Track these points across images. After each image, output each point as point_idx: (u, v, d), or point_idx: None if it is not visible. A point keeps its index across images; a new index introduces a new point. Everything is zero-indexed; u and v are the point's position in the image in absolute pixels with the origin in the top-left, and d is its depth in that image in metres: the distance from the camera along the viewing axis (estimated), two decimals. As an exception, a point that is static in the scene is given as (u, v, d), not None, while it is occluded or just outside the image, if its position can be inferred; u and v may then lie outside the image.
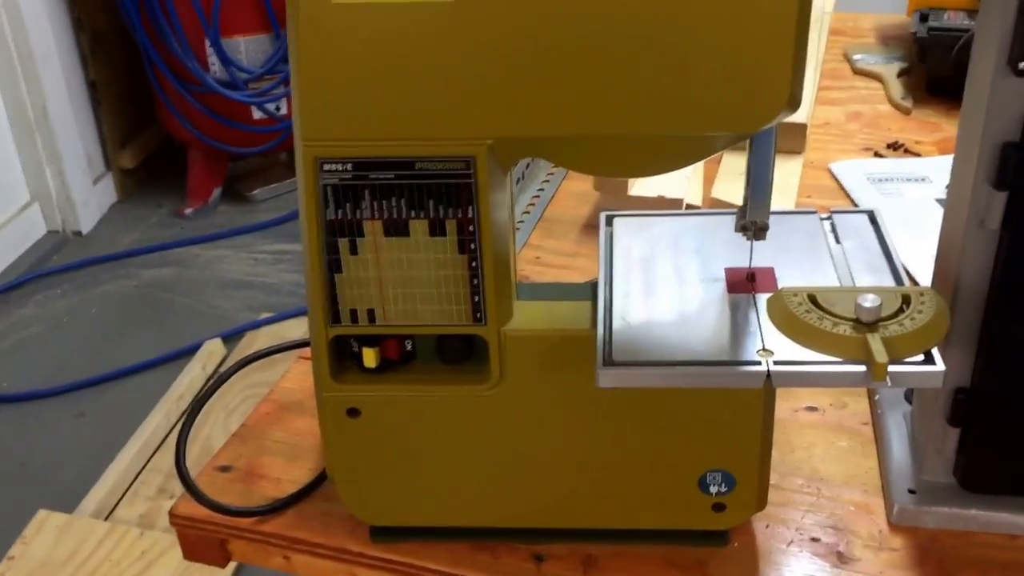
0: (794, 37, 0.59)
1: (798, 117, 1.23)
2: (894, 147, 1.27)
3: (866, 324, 0.63)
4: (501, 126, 0.62)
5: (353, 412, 0.73)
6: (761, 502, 0.75)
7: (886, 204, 1.14)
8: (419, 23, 0.59)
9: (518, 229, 1.12)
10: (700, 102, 0.59)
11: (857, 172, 1.22)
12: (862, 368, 0.61)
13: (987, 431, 0.75)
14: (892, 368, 0.61)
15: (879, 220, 0.77)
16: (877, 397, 0.88)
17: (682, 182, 1.09)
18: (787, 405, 0.89)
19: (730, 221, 0.72)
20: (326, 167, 0.65)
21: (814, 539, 0.77)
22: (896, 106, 1.36)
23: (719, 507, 0.74)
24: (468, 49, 0.59)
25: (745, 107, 0.60)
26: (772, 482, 0.77)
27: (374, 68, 0.61)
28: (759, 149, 0.66)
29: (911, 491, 0.78)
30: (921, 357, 0.63)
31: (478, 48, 0.59)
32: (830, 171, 1.23)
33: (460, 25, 0.59)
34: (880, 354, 0.61)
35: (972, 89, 0.68)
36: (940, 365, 0.63)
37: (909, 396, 0.86)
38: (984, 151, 0.66)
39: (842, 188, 1.20)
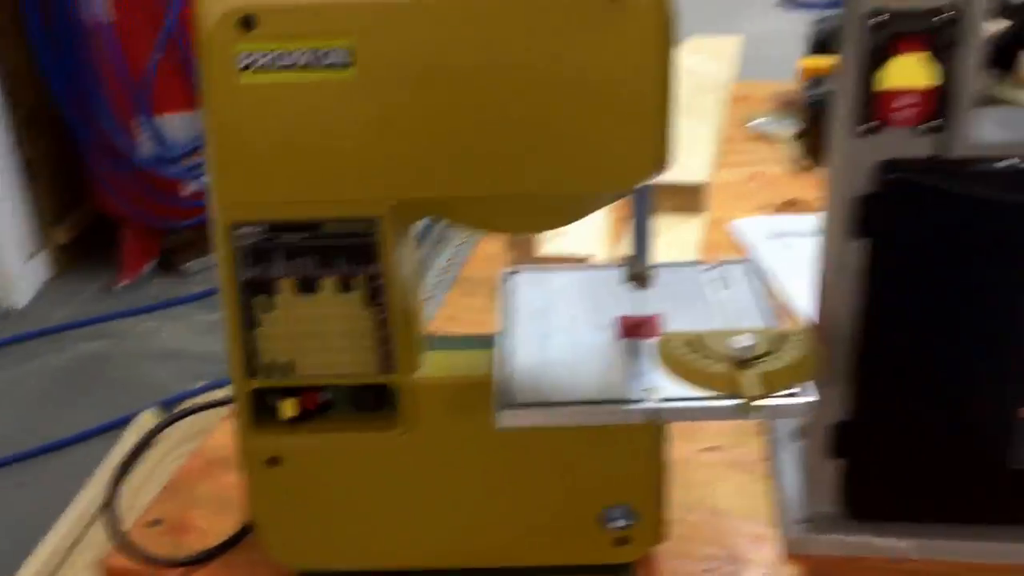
0: (659, 107, 0.66)
1: (696, 178, 1.32)
2: (791, 204, 1.36)
3: (740, 362, 0.69)
4: (400, 189, 0.67)
5: (274, 461, 0.77)
6: (662, 535, 0.80)
7: (783, 256, 1.22)
8: (320, 99, 0.65)
9: (432, 297, 1.18)
10: (577, 164, 0.66)
11: (757, 228, 1.30)
12: (735, 401, 0.67)
13: (868, 461, 0.81)
14: (764, 402, 0.67)
15: (760, 270, 0.83)
16: (772, 435, 0.94)
17: (589, 240, 1.16)
18: (689, 446, 0.95)
19: (621, 273, 0.78)
20: (240, 230, 0.70)
21: (712, 569, 0.82)
22: (792, 166, 1.45)
23: (622, 541, 0.79)
24: (365, 121, 0.65)
25: (618, 168, 0.66)
26: (674, 517, 0.82)
27: (281, 140, 0.66)
28: (637, 205, 0.72)
29: (802, 521, 0.84)
30: (794, 391, 0.69)
31: (374, 120, 0.65)
32: (731, 228, 1.31)
33: (357, 100, 0.65)
34: (751, 389, 0.67)
35: (830, 148, 0.76)
36: (807, 397, 0.69)
37: (801, 433, 0.92)
38: (840, 204, 0.73)
39: (743, 243, 1.27)
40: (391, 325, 0.72)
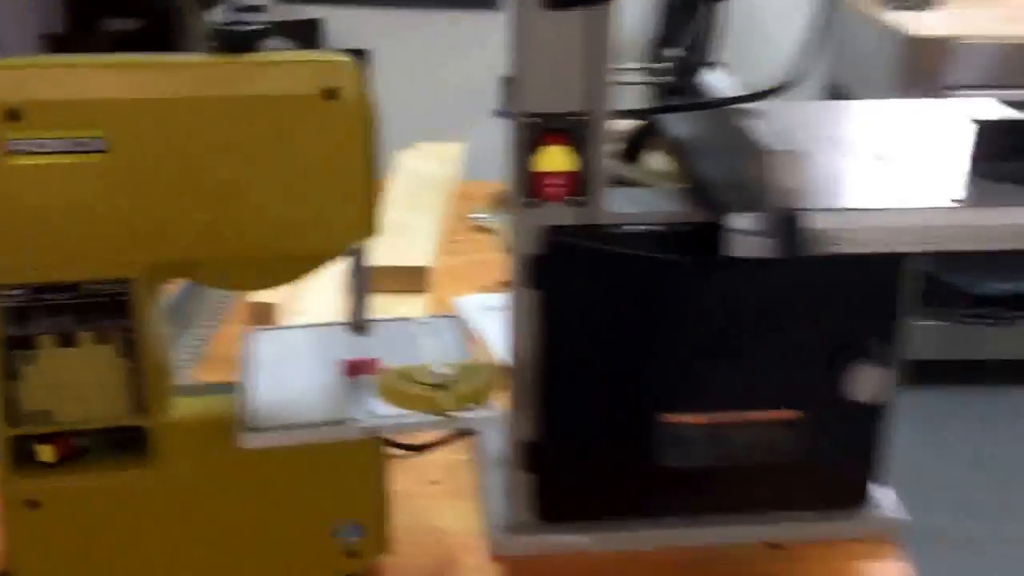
0: (364, 183, 0.82)
1: (419, 262, 1.50)
2: (505, 284, 1.56)
3: (439, 386, 0.86)
4: (148, 254, 0.81)
5: (32, 504, 0.86)
6: (387, 546, 0.94)
7: (493, 321, 1.41)
8: (79, 178, 0.78)
9: (190, 361, 1.29)
10: (300, 230, 0.82)
11: (475, 304, 1.50)
12: (435, 417, 0.84)
13: (552, 473, 1.00)
14: (456, 414, 0.84)
15: (462, 321, 1.02)
16: (481, 463, 1.11)
17: (333, 305, 1.30)
18: (414, 480, 1.10)
19: (344, 327, 0.94)
20: (4, 292, 0.80)
21: (431, 573, 0.97)
22: (507, 253, 1.67)
23: (352, 553, 0.93)
24: (117, 197, 0.78)
25: (334, 234, 0.83)
26: (400, 536, 0.97)
27: (44, 213, 0.78)
28: (354, 266, 0.89)
29: (503, 528, 1.01)
30: (481, 408, 0.87)
31: (125, 196, 0.78)
32: (453, 304, 1.49)
33: (111, 179, 0.78)
34: (446, 405, 0.84)
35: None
36: (489, 412, 0.86)
37: (508, 456, 1.09)
38: (519, 263, 0.93)
39: (462, 316, 1.46)
40: (143, 374, 0.84)
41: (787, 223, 0.81)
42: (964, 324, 2.98)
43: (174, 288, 1.36)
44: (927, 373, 2.99)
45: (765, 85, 0.92)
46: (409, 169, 1.85)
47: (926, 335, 2.98)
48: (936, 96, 2.68)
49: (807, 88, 3.26)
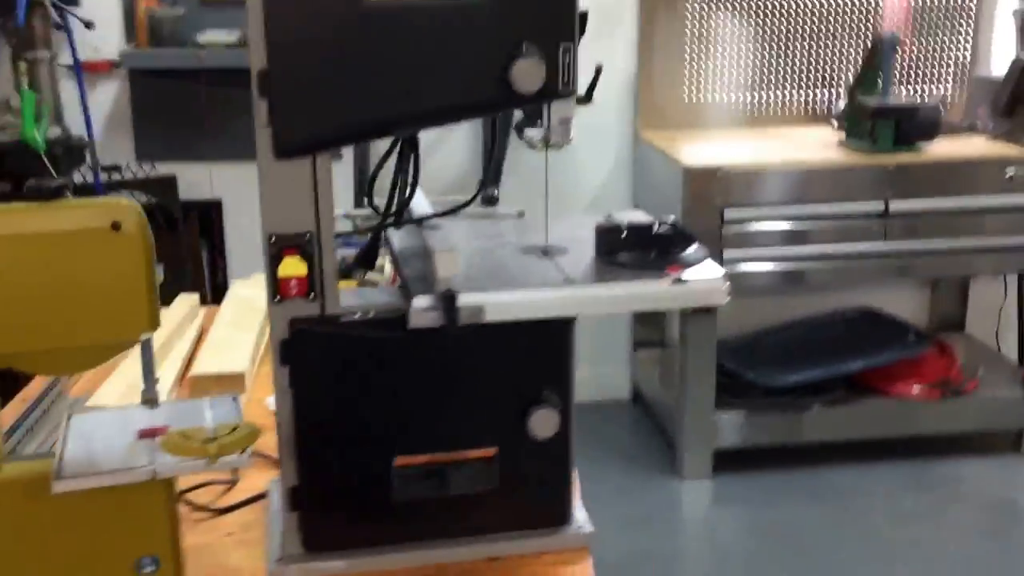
0: (147, 291, 1.13)
1: (238, 368, 1.79)
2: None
3: (208, 440, 1.15)
4: (-20, 347, 1.09)
5: None
6: (179, 575, 1.21)
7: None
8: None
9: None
10: (98, 327, 1.11)
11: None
12: (202, 461, 1.13)
13: (311, 512, 1.28)
14: (223, 459, 1.13)
15: (236, 401, 1.31)
16: (271, 514, 1.38)
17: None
18: (214, 534, 1.37)
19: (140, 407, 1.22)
20: None
21: (218, 596, 1.24)
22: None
23: (152, 583, 1.19)
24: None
25: (124, 329, 1.13)
26: (196, 574, 1.23)
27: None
28: (144, 352, 1.18)
29: (279, 559, 1.28)
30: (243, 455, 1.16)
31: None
32: (267, 402, 1.78)
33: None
34: (211, 453, 1.13)
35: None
36: (243, 458, 1.15)
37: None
38: (275, 347, 1.24)
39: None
40: (-22, 442, 1.11)
41: (448, 301, 1.14)
42: (763, 414, 3.37)
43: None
44: (733, 460, 3.37)
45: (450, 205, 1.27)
46: (238, 296, 2.15)
47: (731, 424, 3.36)
48: (709, 214, 3.13)
49: (616, 208, 3.71)
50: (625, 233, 1.28)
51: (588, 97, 1.27)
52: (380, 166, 1.30)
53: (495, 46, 1.14)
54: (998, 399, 3.51)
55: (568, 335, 1.28)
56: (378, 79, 1.14)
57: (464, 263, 1.21)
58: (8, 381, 1.24)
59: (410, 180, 1.30)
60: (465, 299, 1.15)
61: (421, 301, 1.16)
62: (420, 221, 1.29)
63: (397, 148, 1.29)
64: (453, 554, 1.31)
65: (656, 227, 1.27)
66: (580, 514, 1.36)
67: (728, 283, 1.21)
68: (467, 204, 1.30)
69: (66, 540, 1.16)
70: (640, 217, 1.32)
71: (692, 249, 1.27)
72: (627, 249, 1.26)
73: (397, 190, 1.30)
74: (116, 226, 1.11)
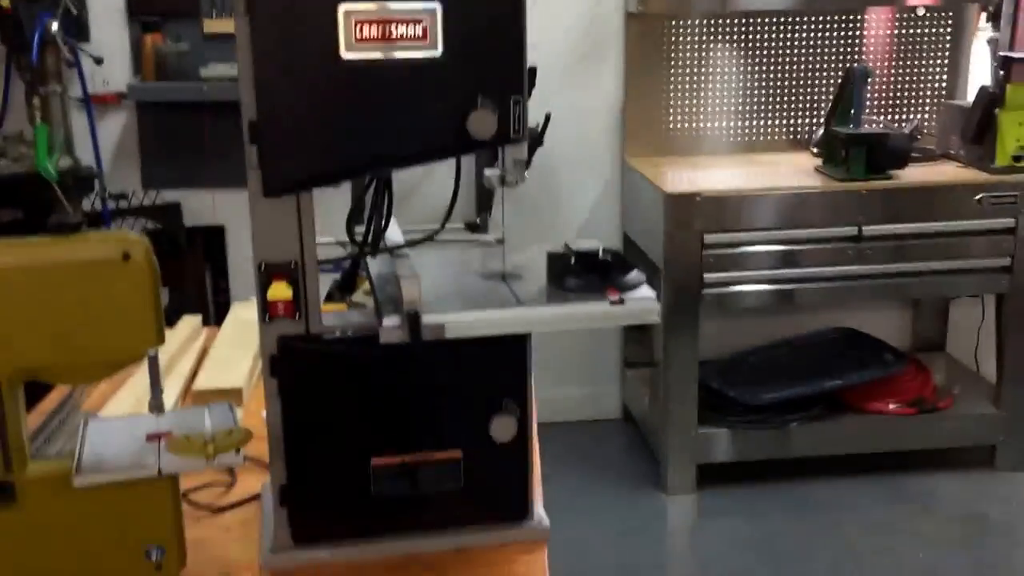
0: (155, 320, 1.30)
1: (236, 384, 1.96)
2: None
3: (207, 442, 1.32)
4: (7, 365, 1.26)
5: (-70, 539, 1.28)
6: (184, 562, 1.38)
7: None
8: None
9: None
10: (108, 344, 1.29)
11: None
12: (203, 460, 1.30)
13: (299, 507, 1.45)
14: (216, 459, 1.30)
15: (232, 408, 1.48)
16: (265, 512, 1.55)
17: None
18: (213, 527, 1.54)
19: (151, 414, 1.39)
20: (-86, 392, 1.25)
21: (215, 581, 1.41)
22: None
23: (159, 567, 1.36)
24: (-10, 324, 1.25)
25: (131, 346, 1.30)
26: (196, 562, 1.40)
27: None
28: (151, 366, 1.35)
29: (270, 550, 1.45)
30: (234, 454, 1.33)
31: (-5, 323, 1.25)
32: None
33: (-14, 313, 1.25)
34: (209, 453, 1.30)
35: (260, 334, 1.44)
36: (238, 458, 1.32)
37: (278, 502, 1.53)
38: (266, 362, 1.41)
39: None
40: (8, 444, 1.29)
41: (414, 320, 1.31)
42: (745, 430, 3.52)
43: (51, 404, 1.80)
44: (716, 475, 3.52)
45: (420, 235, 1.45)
46: (239, 317, 2.33)
47: (714, 440, 3.51)
48: (690, 238, 3.30)
49: (605, 234, 3.90)
50: (573, 260, 1.45)
51: (540, 140, 1.44)
52: (359, 204, 1.48)
53: (454, 99, 1.32)
54: (973, 416, 3.65)
55: (524, 350, 1.44)
56: (353, 127, 1.32)
57: (431, 287, 1.38)
58: (31, 392, 1.41)
59: (384, 214, 1.48)
60: (428, 319, 1.32)
61: (390, 321, 1.34)
62: (392, 250, 1.47)
63: (372, 186, 1.47)
64: (424, 545, 1.47)
65: (600, 254, 1.44)
66: (539, 510, 1.53)
67: (659, 305, 1.38)
68: (436, 234, 1.47)
69: (84, 530, 1.33)
70: (589, 245, 1.49)
71: (632, 274, 1.44)
72: (574, 274, 1.43)
73: (373, 223, 1.47)
74: (126, 257, 1.29)
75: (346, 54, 1.29)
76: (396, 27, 1.29)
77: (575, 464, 3.76)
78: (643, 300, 1.38)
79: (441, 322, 1.32)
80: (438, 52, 1.30)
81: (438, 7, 1.29)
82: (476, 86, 1.31)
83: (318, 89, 1.31)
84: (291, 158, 1.32)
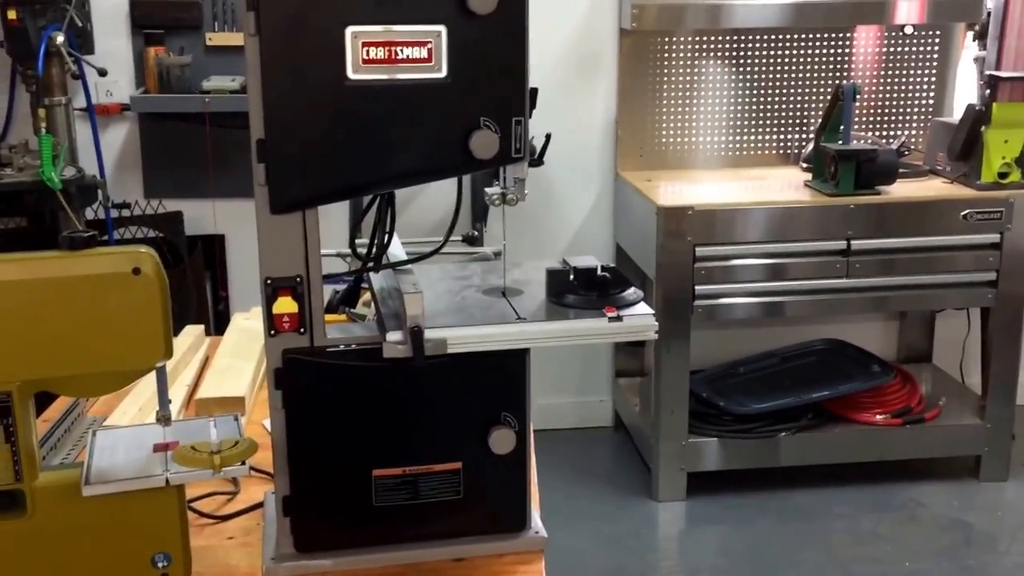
0: (164, 328, 1.33)
1: (239, 392, 2.00)
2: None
3: (213, 453, 1.35)
4: (20, 375, 1.29)
5: (-58, 547, 1.30)
6: (188, 570, 1.41)
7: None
8: (-21, 327, 1.27)
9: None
10: (118, 356, 1.32)
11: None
12: (209, 471, 1.33)
13: (302, 516, 1.48)
14: (225, 470, 1.34)
15: (236, 419, 1.51)
16: (268, 520, 1.58)
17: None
18: (217, 537, 1.57)
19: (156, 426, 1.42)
20: (-71, 403, 1.28)
21: (219, 588, 1.44)
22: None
23: (165, 575, 1.39)
24: None
25: (141, 358, 1.33)
26: (200, 569, 1.43)
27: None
28: (159, 377, 1.39)
29: (273, 558, 1.48)
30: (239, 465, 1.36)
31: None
32: (264, 424, 1.98)
33: None
34: (215, 464, 1.33)
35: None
36: (243, 468, 1.35)
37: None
38: (270, 376, 1.44)
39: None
40: (19, 453, 1.32)
41: (416, 335, 1.35)
42: (734, 440, 3.57)
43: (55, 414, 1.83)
44: (706, 483, 3.56)
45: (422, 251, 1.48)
46: (239, 327, 2.36)
47: (704, 449, 3.56)
48: (682, 250, 3.35)
49: (598, 246, 3.95)
50: (572, 276, 1.48)
51: (539, 160, 1.48)
52: (360, 219, 1.51)
53: (457, 120, 1.35)
54: (958, 427, 3.70)
55: (523, 365, 1.48)
56: (358, 147, 1.36)
57: (433, 302, 1.42)
58: (36, 401, 1.44)
59: (387, 230, 1.51)
60: (431, 334, 1.36)
61: (393, 335, 1.37)
62: (395, 266, 1.50)
63: (376, 203, 1.51)
64: (424, 554, 1.51)
65: (599, 271, 1.48)
66: (537, 521, 1.56)
67: (656, 324, 1.42)
68: (437, 250, 1.51)
69: (92, 538, 1.36)
70: (587, 262, 1.53)
71: (630, 291, 1.48)
72: (573, 291, 1.47)
73: (376, 238, 1.51)
74: (137, 271, 1.32)
75: (353, 75, 1.32)
76: (402, 49, 1.33)
77: (567, 472, 3.80)
78: (641, 317, 1.42)
79: (444, 337, 1.36)
80: (443, 74, 1.34)
81: (443, 30, 1.33)
82: (479, 107, 1.35)
83: (325, 109, 1.34)
84: (298, 176, 1.36)
